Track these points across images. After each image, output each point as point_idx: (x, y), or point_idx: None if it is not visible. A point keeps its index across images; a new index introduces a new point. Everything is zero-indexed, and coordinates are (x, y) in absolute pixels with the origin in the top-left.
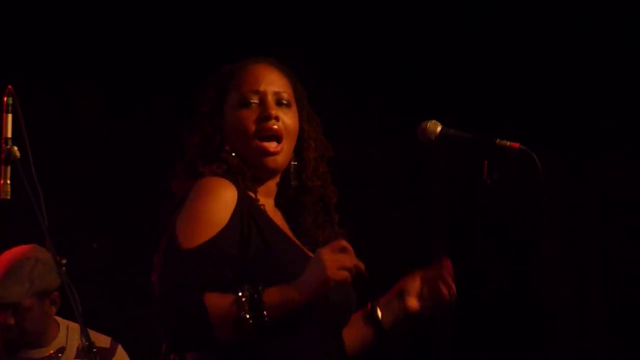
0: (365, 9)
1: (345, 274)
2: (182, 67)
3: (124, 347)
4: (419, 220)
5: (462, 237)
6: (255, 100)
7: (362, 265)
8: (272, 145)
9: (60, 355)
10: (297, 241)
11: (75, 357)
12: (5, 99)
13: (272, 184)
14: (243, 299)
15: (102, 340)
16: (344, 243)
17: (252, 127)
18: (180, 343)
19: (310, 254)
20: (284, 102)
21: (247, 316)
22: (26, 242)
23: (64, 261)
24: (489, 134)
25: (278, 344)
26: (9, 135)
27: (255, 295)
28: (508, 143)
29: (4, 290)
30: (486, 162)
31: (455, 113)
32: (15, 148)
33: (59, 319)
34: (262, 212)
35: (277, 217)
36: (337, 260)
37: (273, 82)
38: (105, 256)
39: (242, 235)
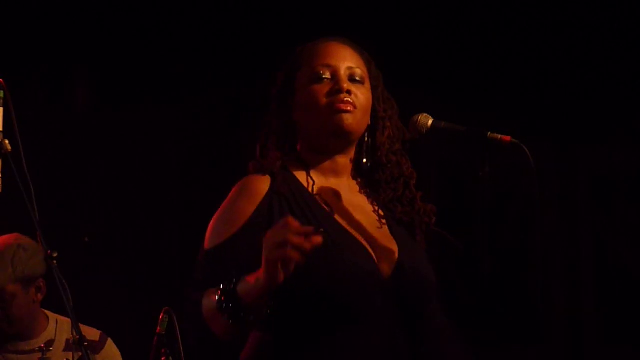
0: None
1: (280, 253)
2: (175, 55)
3: (114, 341)
4: None
5: (454, 230)
6: (327, 75)
7: (306, 245)
8: (346, 106)
9: (50, 348)
10: (348, 225)
11: (64, 350)
12: None
13: (343, 161)
14: (219, 290)
15: (92, 333)
16: (288, 220)
17: (324, 101)
18: (196, 341)
19: (359, 237)
20: (357, 78)
21: (224, 305)
22: None
23: (55, 254)
24: (481, 127)
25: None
26: (0, 128)
27: (231, 286)
28: (499, 136)
29: None
30: (478, 155)
31: (450, 101)
32: (7, 141)
33: (48, 312)
34: (310, 200)
35: (351, 196)
36: (273, 238)
37: (346, 58)
38: (96, 249)
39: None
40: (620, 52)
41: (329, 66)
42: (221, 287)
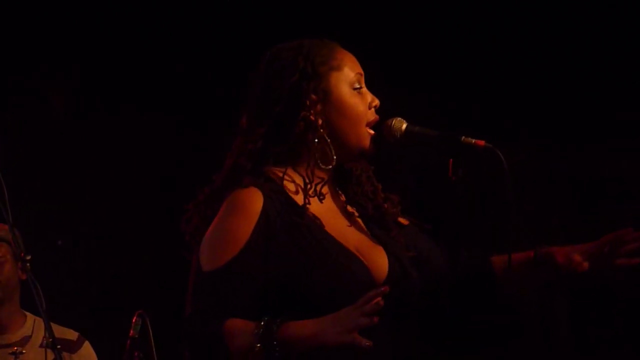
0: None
1: (350, 338)
2: (158, 61)
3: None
4: None
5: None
6: (361, 85)
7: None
8: (372, 133)
9: (26, 344)
10: (341, 238)
11: (40, 346)
12: None
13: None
14: (258, 331)
15: (69, 333)
16: (371, 297)
17: (364, 113)
18: None
19: (351, 249)
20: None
21: (259, 348)
22: None
23: (29, 257)
24: (455, 131)
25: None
26: None
27: (273, 328)
28: (473, 140)
29: None
30: (451, 159)
31: (431, 107)
32: None
33: (26, 312)
34: (302, 215)
35: (335, 201)
36: (346, 322)
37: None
38: (69, 253)
39: (268, 247)
40: (601, 57)
41: (360, 74)
42: (262, 327)
